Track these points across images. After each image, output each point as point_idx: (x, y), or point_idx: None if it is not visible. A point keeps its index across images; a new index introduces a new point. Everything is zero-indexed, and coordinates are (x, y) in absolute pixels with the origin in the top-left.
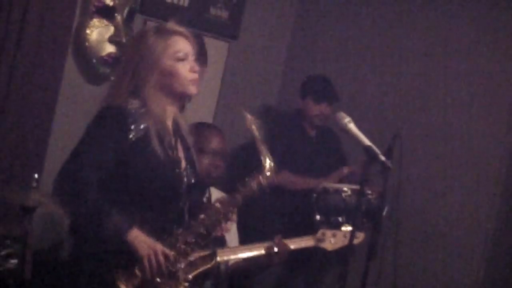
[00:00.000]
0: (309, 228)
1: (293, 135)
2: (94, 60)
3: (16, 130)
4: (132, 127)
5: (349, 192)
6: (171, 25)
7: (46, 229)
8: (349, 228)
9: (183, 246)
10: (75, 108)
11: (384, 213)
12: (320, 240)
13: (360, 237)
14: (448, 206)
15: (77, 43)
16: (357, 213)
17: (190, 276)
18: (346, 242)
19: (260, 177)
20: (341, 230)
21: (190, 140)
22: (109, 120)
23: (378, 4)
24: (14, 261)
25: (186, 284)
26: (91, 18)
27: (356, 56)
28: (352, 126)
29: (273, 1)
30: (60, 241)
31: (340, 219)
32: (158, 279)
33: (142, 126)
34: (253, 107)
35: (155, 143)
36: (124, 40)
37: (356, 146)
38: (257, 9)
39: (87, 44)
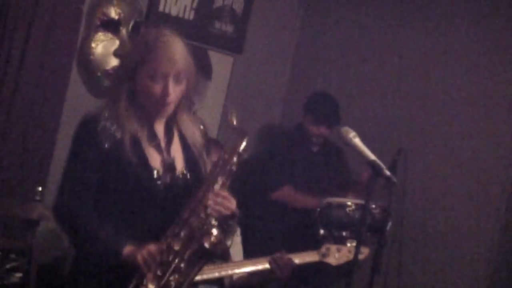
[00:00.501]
0: (313, 243)
1: (295, 150)
2: (99, 74)
3: (21, 143)
4: (105, 134)
5: (353, 207)
6: (165, 36)
7: (49, 243)
8: (354, 243)
9: (170, 240)
10: (79, 121)
11: (388, 227)
12: (324, 255)
13: (365, 252)
14: (452, 219)
15: (82, 57)
16: (362, 228)
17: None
18: (350, 257)
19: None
20: (346, 245)
21: (196, 139)
22: (82, 133)
23: (382, 20)
24: (18, 275)
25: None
26: (96, 32)
27: (360, 71)
28: (357, 141)
29: (277, 15)
30: (64, 255)
31: (344, 233)
32: (158, 272)
33: (113, 131)
34: (257, 120)
35: (127, 147)
36: None
37: (360, 161)
38: (261, 23)
39: (92, 57)
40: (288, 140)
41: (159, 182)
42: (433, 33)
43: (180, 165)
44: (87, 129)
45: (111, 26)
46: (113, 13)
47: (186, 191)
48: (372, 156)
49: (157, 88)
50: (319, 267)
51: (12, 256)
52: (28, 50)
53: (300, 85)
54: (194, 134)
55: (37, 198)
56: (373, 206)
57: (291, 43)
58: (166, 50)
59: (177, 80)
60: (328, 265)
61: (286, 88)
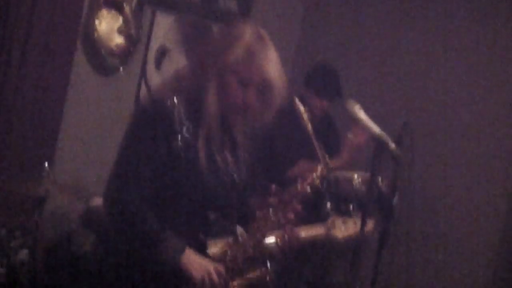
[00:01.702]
0: (320, 217)
1: (292, 126)
2: (103, 51)
3: (26, 120)
4: (182, 128)
5: (360, 180)
6: (264, 40)
7: (56, 220)
8: (360, 216)
9: (232, 264)
10: (84, 98)
11: (395, 201)
12: (330, 228)
13: (370, 224)
14: (460, 192)
15: (85, 34)
16: (368, 199)
17: None
18: (356, 229)
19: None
20: (351, 218)
21: (242, 138)
22: (154, 120)
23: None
24: (25, 252)
25: None
26: (100, 9)
27: (365, 46)
28: (362, 114)
29: None
30: (70, 233)
31: (351, 207)
32: None
33: (188, 126)
34: None
35: (201, 150)
36: (132, 32)
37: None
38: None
39: (96, 35)
40: (286, 115)
41: (222, 193)
42: (440, 11)
43: (231, 165)
44: (158, 114)
45: (115, 3)
46: None
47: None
48: (378, 129)
49: (247, 98)
50: (326, 243)
51: (18, 233)
52: (32, 29)
53: (306, 61)
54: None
55: (44, 174)
56: (379, 179)
57: (296, 19)
58: (265, 58)
59: (269, 92)
60: (334, 239)
61: (292, 64)
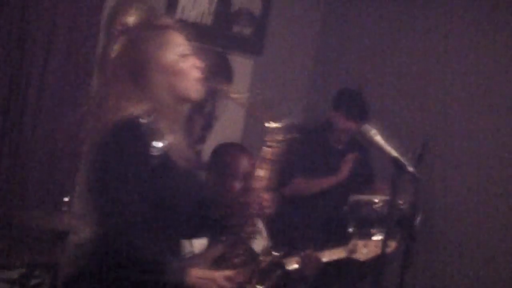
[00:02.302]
0: (341, 241)
1: (317, 148)
2: None
3: (46, 153)
4: (153, 144)
5: (381, 203)
6: (164, 19)
7: (77, 257)
8: (380, 237)
9: (236, 259)
10: None
11: (417, 222)
12: (352, 251)
13: (392, 246)
14: (482, 212)
15: (102, 63)
16: (389, 222)
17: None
18: (378, 251)
19: None
20: (372, 240)
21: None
22: (128, 140)
23: (404, 15)
24: None
25: None
26: (115, 41)
27: (382, 67)
28: (378, 138)
29: (296, 15)
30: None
31: (372, 230)
32: None
33: (160, 143)
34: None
35: (178, 161)
36: None
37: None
38: (280, 23)
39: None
40: (308, 136)
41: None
42: (459, 26)
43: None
44: (134, 136)
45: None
46: (131, 22)
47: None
48: (395, 153)
49: (189, 64)
50: (347, 265)
51: (37, 272)
52: (49, 60)
53: (322, 85)
54: None
55: (64, 208)
56: (400, 201)
57: (311, 42)
58: (178, 27)
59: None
60: (356, 261)
61: (307, 88)
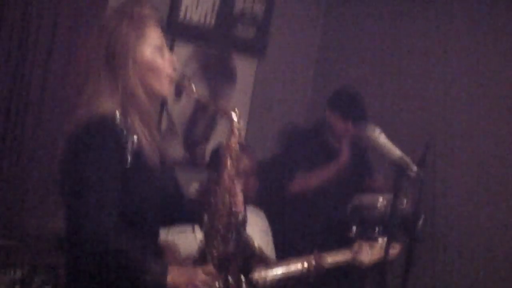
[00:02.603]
0: (345, 242)
1: (315, 147)
2: None
3: (48, 153)
4: (129, 139)
5: (385, 203)
6: (141, 8)
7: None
8: (385, 239)
9: (215, 252)
10: None
11: (420, 222)
12: (357, 253)
13: (396, 248)
14: (486, 213)
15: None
16: (392, 223)
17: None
18: (383, 253)
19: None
20: (377, 242)
21: None
22: (104, 139)
23: (405, 15)
24: None
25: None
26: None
27: (385, 68)
28: (382, 138)
29: (299, 15)
30: None
31: (376, 230)
32: None
33: (135, 137)
34: (282, 122)
35: (152, 156)
36: None
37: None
38: (283, 24)
39: None
40: (307, 138)
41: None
42: (462, 26)
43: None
44: (110, 135)
45: None
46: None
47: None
48: (399, 153)
49: (163, 60)
50: (351, 267)
51: (40, 271)
52: (50, 64)
53: (324, 86)
54: None
55: None
56: (404, 201)
57: (314, 43)
58: (156, 19)
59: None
60: (360, 263)
61: (310, 89)
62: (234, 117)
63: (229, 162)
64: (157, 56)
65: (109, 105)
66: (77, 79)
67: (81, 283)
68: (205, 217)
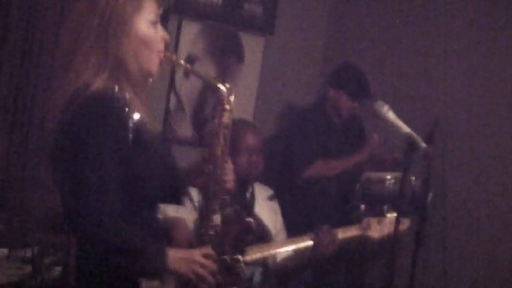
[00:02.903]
0: (353, 219)
1: (318, 125)
2: None
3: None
4: (130, 116)
5: (393, 180)
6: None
7: None
8: (394, 214)
9: (212, 232)
10: None
11: (429, 199)
12: (366, 229)
13: (405, 223)
14: (495, 189)
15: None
16: (401, 199)
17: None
18: (391, 229)
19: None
20: (386, 217)
21: None
22: (106, 114)
23: None
24: (58, 268)
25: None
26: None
27: (394, 45)
28: (391, 114)
29: None
30: None
31: (385, 207)
32: (219, 277)
33: (136, 116)
34: (292, 101)
35: (147, 133)
36: None
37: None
38: (291, 2)
39: None
40: (313, 115)
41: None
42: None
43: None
44: (112, 111)
45: None
46: None
47: None
48: (407, 129)
49: (157, 35)
50: (361, 244)
51: (51, 250)
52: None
53: (334, 63)
54: None
55: None
56: (413, 178)
57: (322, 20)
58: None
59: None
60: (370, 239)
61: (319, 66)
62: (223, 91)
63: (221, 139)
64: (151, 31)
65: (99, 80)
66: (65, 48)
67: (91, 263)
68: (199, 196)
